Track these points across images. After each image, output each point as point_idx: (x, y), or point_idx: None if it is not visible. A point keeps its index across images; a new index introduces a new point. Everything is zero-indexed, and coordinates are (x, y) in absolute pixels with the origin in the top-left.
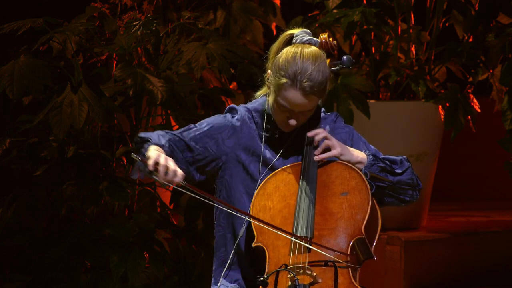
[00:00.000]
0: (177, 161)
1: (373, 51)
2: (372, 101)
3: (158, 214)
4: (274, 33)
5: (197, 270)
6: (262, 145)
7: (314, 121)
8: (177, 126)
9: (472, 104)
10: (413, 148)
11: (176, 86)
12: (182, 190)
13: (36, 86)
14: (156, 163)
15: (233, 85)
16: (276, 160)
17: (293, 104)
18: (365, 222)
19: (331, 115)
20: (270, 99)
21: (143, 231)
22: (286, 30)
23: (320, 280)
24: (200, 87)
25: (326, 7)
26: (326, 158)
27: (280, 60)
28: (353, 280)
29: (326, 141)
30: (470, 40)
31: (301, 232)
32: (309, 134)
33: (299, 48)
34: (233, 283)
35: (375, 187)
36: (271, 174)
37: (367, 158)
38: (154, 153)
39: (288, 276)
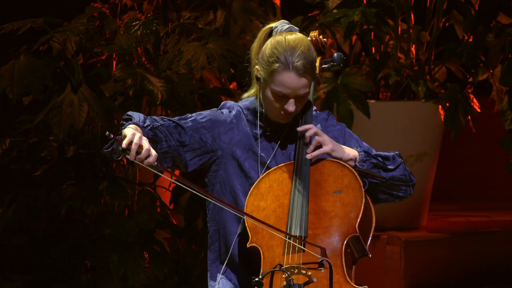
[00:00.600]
0: (168, 148)
1: (373, 51)
2: (372, 101)
3: (158, 214)
4: None
5: (197, 270)
6: (256, 142)
7: (307, 118)
8: None
9: (472, 104)
10: (413, 148)
11: (176, 86)
12: (157, 172)
13: (36, 86)
14: (130, 142)
15: (233, 85)
16: (269, 158)
17: (289, 86)
18: (359, 220)
19: (323, 114)
20: (262, 94)
21: (143, 231)
22: (264, 26)
23: (315, 279)
24: (200, 87)
25: (326, 7)
26: (318, 156)
27: (267, 50)
28: (348, 279)
29: (316, 137)
30: (470, 40)
31: (295, 231)
32: (299, 128)
33: (283, 35)
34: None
35: (368, 184)
36: (264, 174)
37: (359, 154)
38: (129, 131)
39: (283, 276)
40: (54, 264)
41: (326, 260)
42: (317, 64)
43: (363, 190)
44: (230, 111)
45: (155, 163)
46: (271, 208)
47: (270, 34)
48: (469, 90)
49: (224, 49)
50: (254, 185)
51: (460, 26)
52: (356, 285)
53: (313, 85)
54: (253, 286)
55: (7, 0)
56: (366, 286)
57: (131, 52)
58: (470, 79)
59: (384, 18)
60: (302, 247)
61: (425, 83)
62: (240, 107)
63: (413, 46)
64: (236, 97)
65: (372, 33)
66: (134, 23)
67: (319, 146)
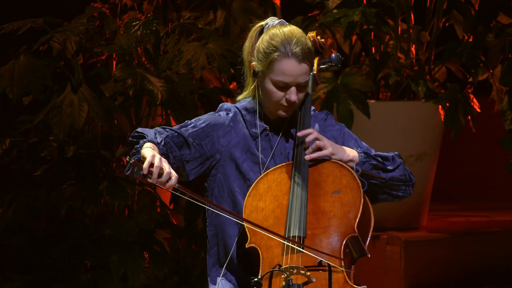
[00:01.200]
0: (173, 159)
1: (373, 51)
2: (372, 101)
3: (158, 214)
4: None
5: (197, 270)
6: (254, 142)
7: (306, 118)
8: None
9: (472, 104)
10: (413, 148)
11: (176, 86)
12: (176, 193)
13: (36, 86)
14: (151, 165)
15: (233, 85)
16: (268, 158)
17: (290, 74)
18: (357, 220)
19: (322, 113)
20: (262, 88)
21: (143, 231)
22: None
23: (314, 280)
24: (200, 87)
25: (326, 7)
26: (317, 158)
27: (263, 43)
28: (347, 279)
29: (317, 142)
30: (470, 40)
31: (294, 231)
32: (299, 134)
33: (276, 28)
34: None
35: (368, 184)
36: (263, 174)
37: (359, 155)
38: (149, 153)
39: (282, 276)
40: (54, 264)
41: (325, 260)
42: (315, 64)
43: (361, 190)
44: (227, 113)
45: (177, 184)
46: (270, 209)
47: (261, 32)
48: (469, 90)
49: (224, 49)
50: (253, 185)
51: (460, 26)
52: (355, 285)
53: (311, 85)
54: (252, 286)
55: (7, 0)
56: (365, 286)
57: (131, 52)
58: (470, 79)
59: (384, 18)
60: (301, 249)
61: (425, 83)
62: (238, 108)
63: (413, 46)
64: (236, 97)
65: (372, 33)
66: (134, 23)
67: (319, 148)
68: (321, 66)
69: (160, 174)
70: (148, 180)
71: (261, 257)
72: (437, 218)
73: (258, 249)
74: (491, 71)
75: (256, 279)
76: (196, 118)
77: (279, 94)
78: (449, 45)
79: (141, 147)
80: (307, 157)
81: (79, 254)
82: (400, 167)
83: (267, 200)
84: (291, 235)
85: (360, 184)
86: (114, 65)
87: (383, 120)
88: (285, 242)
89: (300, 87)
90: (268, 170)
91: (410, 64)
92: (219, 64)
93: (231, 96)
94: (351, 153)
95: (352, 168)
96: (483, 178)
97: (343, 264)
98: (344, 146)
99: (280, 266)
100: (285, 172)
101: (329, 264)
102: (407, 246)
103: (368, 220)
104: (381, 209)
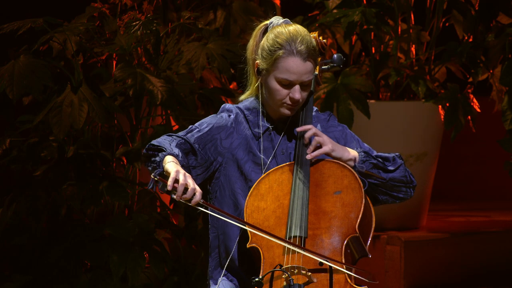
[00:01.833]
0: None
1: (373, 51)
2: (372, 101)
3: (158, 214)
4: None
5: (197, 270)
6: (256, 143)
7: (308, 118)
8: (177, 126)
9: (472, 104)
10: (413, 148)
11: (176, 86)
12: (200, 208)
13: (36, 86)
14: (175, 181)
15: (233, 85)
16: (269, 158)
17: (294, 71)
18: (358, 220)
19: (324, 114)
20: (266, 86)
21: (143, 231)
22: (257, 25)
23: (315, 280)
24: (200, 87)
25: (326, 7)
26: (318, 156)
27: (268, 41)
28: (348, 279)
29: (316, 138)
30: (470, 40)
31: (295, 232)
32: (299, 129)
33: (281, 26)
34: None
35: (368, 185)
36: (264, 174)
37: (359, 155)
38: (172, 168)
39: (283, 276)
40: (54, 264)
41: (326, 262)
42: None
43: (363, 190)
44: (229, 115)
45: (201, 200)
46: (271, 209)
47: (265, 30)
48: (469, 90)
49: (224, 49)
50: (254, 185)
51: (460, 26)
52: (356, 285)
53: (313, 84)
54: (253, 286)
55: (7, 0)
56: (366, 286)
57: (131, 52)
58: (470, 79)
59: (384, 18)
60: (303, 252)
61: (425, 83)
62: (240, 108)
63: (413, 46)
64: (236, 97)
65: (372, 33)
66: (134, 23)
67: (319, 146)
68: (323, 67)
69: (185, 190)
70: (173, 196)
71: (262, 257)
72: (437, 218)
73: (259, 249)
74: (491, 71)
75: (257, 279)
76: (199, 122)
77: (283, 92)
78: (449, 45)
79: (162, 160)
80: (308, 156)
81: (79, 254)
82: (400, 168)
83: (269, 200)
84: (292, 235)
85: (361, 184)
86: (114, 65)
87: (383, 120)
88: (287, 245)
89: (304, 86)
90: (270, 170)
91: (410, 64)
92: (219, 64)
93: (231, 96)
94: (351, 152)
95: (353, 167)
96: (483, 178)
97: (344, 267)
98: (346, 147)
99: (281, 266)
100: (287, 172)
101: (330, 265)
102: (407, 246)
103: (369, 221)
104: (381, 209)
